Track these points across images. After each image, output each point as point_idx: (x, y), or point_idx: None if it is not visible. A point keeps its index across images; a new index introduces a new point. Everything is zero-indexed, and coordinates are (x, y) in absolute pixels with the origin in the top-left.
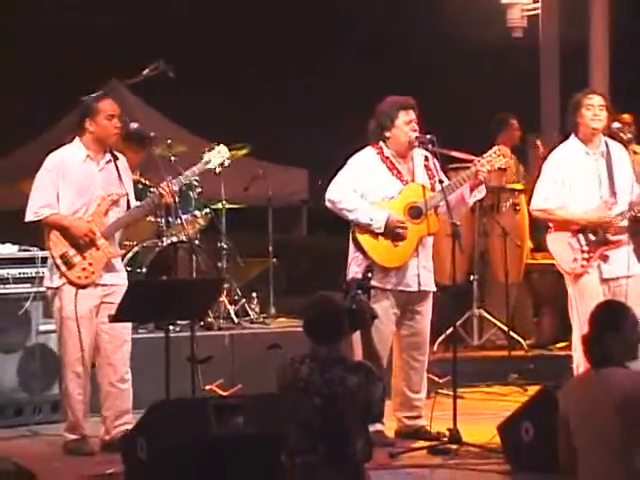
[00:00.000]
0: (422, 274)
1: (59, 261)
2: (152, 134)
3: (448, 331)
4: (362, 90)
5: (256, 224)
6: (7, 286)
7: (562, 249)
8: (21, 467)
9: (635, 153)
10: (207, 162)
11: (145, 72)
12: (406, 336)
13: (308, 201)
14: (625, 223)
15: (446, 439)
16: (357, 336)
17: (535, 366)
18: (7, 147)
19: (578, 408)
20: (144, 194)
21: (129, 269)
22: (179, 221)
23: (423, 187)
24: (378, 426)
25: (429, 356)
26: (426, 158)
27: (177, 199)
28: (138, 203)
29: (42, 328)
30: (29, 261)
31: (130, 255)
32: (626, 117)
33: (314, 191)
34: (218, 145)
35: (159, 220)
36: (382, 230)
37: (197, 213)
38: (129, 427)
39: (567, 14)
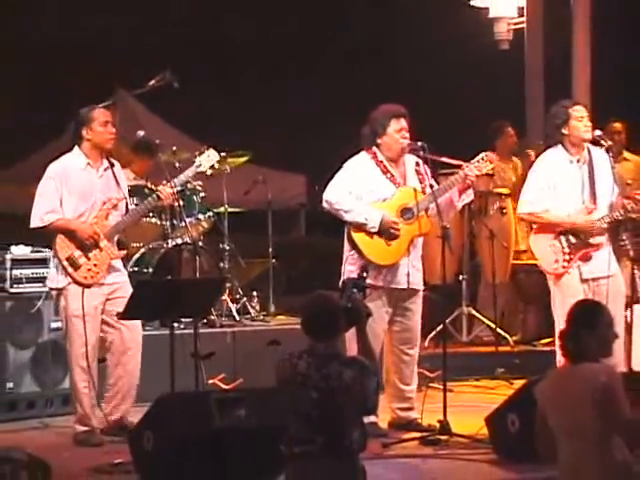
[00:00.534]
0: (412, 273)
1: (65, 263)
2: (157, 141)
3: (438, 328)
4: (356, 99)
5: (256, 226)
6: (20, 286)
7: (544, 251)
8: (34, 457)
9: (626, 160)
10: (198, 165)
11: (151, 83)
12: (397, 332)
13: (306, 205)
14: (605, 226)
15: (436, 430)
16: (350, 333)
17: (521, 361)
18: (24, 152)
19: (555, 400)
20: None
21: (136, 269)
22: (184, 224)
23: (415, 190)
24: (372, 418)
25: (421, 351)
26: (417, 164)
27: (182, 203)
28: (137, 207)
29: (53, 325)
30: (41, 262)
31: (137, 256)
32: (617, 125)
33: (311, 195)
34: (208, 149)
35: (165, 223)
36: (376, 229)
37: (201, 216)
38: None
39: (550, 28)
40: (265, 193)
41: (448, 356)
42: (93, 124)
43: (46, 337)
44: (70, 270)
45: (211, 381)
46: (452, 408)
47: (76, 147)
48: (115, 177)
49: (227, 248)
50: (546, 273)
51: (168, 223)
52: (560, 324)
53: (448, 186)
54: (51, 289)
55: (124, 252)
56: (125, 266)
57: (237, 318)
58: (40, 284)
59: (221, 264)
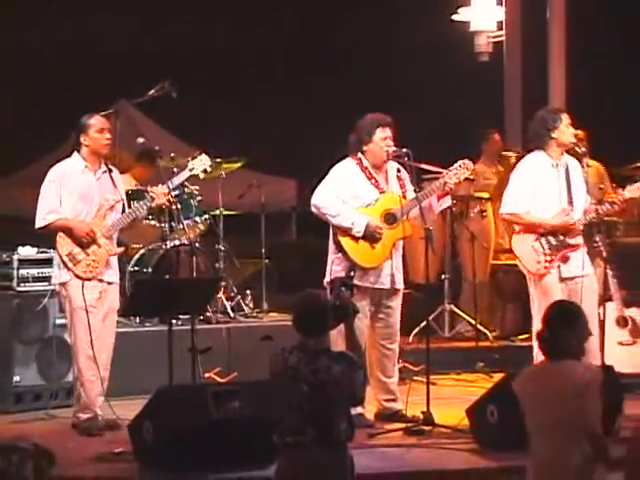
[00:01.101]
0: (395, 274)
1: (66, 258)
2: (157, 148)
3: (422, 324)
4: (343, 108)
5: (250, 229)
6: (27, 284)
7: (526, 252)
8: (39, 446)
9: (588, 166)
10: (191, 169)
11: (151, 92)
12: (379, 328)
13: (297, 208)
14: (581, 228)
15: (420, 421)
16: (336, 329)
17: (500, 355)
18: (30, 158)
19: (535, 397)
20: None
21: (136, 269)
22: (181, 226)
23: (398, 196)
24: (359, 409)
25: (405, 346)
26: (398, 170)
27: (179, 206)
28: (133, 207)
29: (58, 322)
30: (47, 262)
31: (137, 257)
32: (579, 133)
33: (302, 199)
34: (201, 154)
35: (163, 225)
36: (361, 234)
37: (197, 219)
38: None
39: (528, 41)
40: (258, 197)
41: (431, 351)
42: (90, 131)
43: (51, 333)
44: (70, 265)
45: (207, 374)
46: (435, 400)
47: (75, 152)
48: (112, 180)
49: (222, 249)
50: (528, 273)
51: (167, 225)
52: (539, 321)
53: (429, 192)
54: (55, 284)
55: (122, 249)
56: (125, 266)
57: (232, 315)
58: (45, 283)
59: (217, 264)
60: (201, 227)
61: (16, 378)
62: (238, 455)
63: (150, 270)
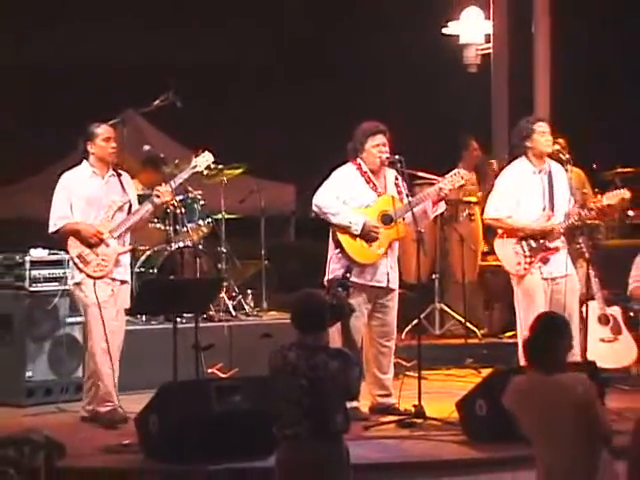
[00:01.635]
0: (390, 273)
1: (76, 260)
2: (162, 155)
3: (414, 322)
4: (338, 117)
5: (251, 231)
6: (39, 285)
7: (508, 254)
8: (51, 439)
9: (571, 171)
10: (195, 166)
11: (156, 102)
12: (376, 326)
13: (295, 211)
14: (562, 231)
15: (412, 414)
16: (334, 327)
17: (488, 352)
18: (40, 165)
19: (531, 411)
20: None
21: (143, 270)
22: (185, 229)
23: (394, 199)
24: (354, 403)
25: (398, 343)
26: (396, 177)
27: (184, 210)
28: (139, 206)
29: (68, 320)
30: (57, 263)
31: (143, 258)
32: (561, 141)
33: (300, 203)
34: (203, 152)
35: (168, 228)
36: (359, 232)
37: (201, 222)
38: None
39: (514, 54)
40: (258, 201)
41: (422, 347)
42: (96, 139)
43: (61, 331)
44: (81, 266)
45: (210, 370)
46: (426, 394)
47: (84, 160)
48: (121, 183)
49: (224, 251)
50: (510, 273)
51: (171, 228)
52: (522, 318)
53: (423, 197)
54: (70, 285)
55: (130, 247)
56: (133, 266)
57: (233, 313)
58: (56, 283)
59: (219, 265)
60: (204, 230)
61: (28, 373)
62: (239, 447)
63: (156, 271)
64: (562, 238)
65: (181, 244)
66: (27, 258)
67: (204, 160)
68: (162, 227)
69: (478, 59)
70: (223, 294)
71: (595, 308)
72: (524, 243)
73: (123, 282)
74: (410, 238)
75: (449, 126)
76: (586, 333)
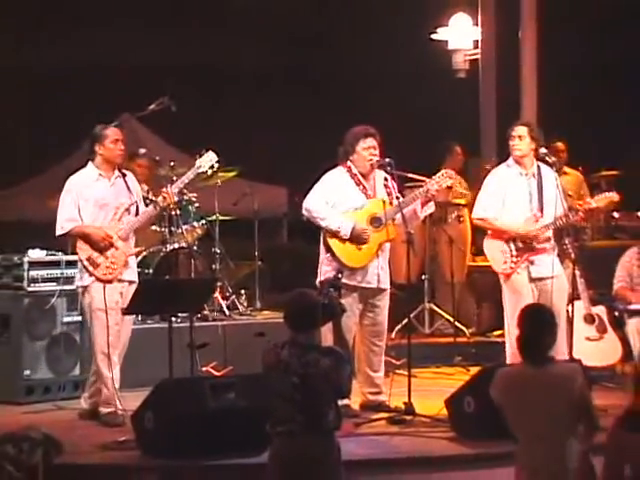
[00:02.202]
0: (381, 274)
1: (86, 263)
2: (157, 158)
3: (404, 321)
4: (329, 121)
5: (244, 233)
6: (36, 285)
7: (495, 253)
8: (49, 436)
9: (566, 173)
10: (199, 167)
11: (152, 107)
12: (367, 326)
13: (288, 214)
14: (550, 233)
15: (402, 411)
16: (325, 326)
17: (476, 350)
18: (39, 168)
19: (519, 402)
20: None
21: (139, 270)
22: (180, 230)
23: (383, 201)
24: (346, 401)
25: (388, 342)
26: (385, 179)
27: (179, 212)
28: (146, 208)
29: (65, 320)
30: (55, 264)
31: (139, 259)
32: (560, 145)
33: (292, 205)
34: (207, 152)
35: (164, 230)
36: (348, 237)
37: (195, 224)
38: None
39: (502, 59)
40: (252, 204)
41: (412, 346)
42: (105, 141)
43: (59, 330)
44: (91, 269)
45: (204, 368)
46: (416, 392)
47: (90, 162)
48: (126, 184)
49: (218, 252)
50: (498, 273)
51: (167, 230)
52: (509, 318)
53: (412, 198)
54: (78, 287)
55: (138, 250)
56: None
57: (227, 313)
58: (54, 283)
59: (213, 266)
60: (199, 231)
61: (27, 372)
62: (233, 443)
63: (151, 271)
64: (551, 240)
65: (176, 245)
66: (25, 259)
67: (208, 160)
68: (157, 229)
69: (467, 64)
70: (217, 294)
71: (581, 307)
72: (511, 243)
73: (131, 282)
74: (400, 239)
75: (438, 130)
76: (572, 332)
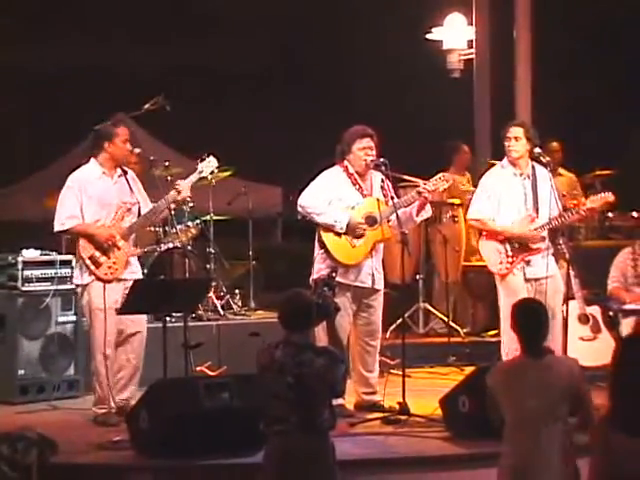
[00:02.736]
0: (375, 274)
1: (88, 262)
2: (152, 158)
3: (398, 321)
4: (325, 122)
5: (239, 232)
6: (31, 284)
7: (490, 253)
8: (43, 436)
9: (560, 175)
10: (200, 171)
11: (146, 106)
12: (361, 326)
13: (282, 213)
14: (545, 233)
15: (396, 411)
16: (319, 326)
17: (470, 350)
18: (40, 166)
19: (515, 390)
20: None
21: None
22: (174, 230)
23: (379, 201)
24: (340, 400)
25: (382, 342)
26: (382, 180)
27: (173, 212)
28: (151, 206)
29: (60, 319)
30: (49, 264)
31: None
32: (555, 145)
33: (287, 205)
34: (208, 157)
35: (158, 229)
36: (344, 230)
37: (189, 223)
38: (130, 398)
39: (496, 58)
40: (246, 203)
41: (407, 346)
42: (116, 139)
43: (53, 330)
44: (92, 268)
45: (199, 368)
46: (410, 392)
47: (92, 159)
48: (128, 183)
49: (213, 251)
50: (493, 273)
51: (161, 229)
52: (504, 318)
53: (408, 200)
54: (77, 285)
55: (139, 250)
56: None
57: (222, 313)
58: (48, 283)
59: (207, 265)
60: (193, 231)
61: (21, 371)
62: (228, 442)
63: (146, 271)
64: (546, 240)
65: (170, 245)
66: (20, 258)
67: (209, 164)
68: (152, 229)
69: (461, 64)
70: (211, 294)
71: (575, 307)
72: (507, 244)
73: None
74: (395, 239)
75: (433, 129)
76: (566, 332)
